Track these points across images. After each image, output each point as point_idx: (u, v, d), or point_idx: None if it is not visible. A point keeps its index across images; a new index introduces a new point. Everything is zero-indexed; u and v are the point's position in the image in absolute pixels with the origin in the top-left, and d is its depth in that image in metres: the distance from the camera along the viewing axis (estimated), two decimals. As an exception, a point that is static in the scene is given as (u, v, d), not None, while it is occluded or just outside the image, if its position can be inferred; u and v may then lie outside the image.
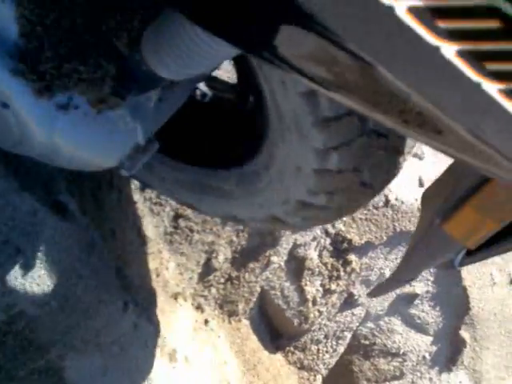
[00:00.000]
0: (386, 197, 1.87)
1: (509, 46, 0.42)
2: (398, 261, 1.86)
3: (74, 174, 1.26)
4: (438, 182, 0.93)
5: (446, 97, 0.46)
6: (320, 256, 1.82)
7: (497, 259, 2.26)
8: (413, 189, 1.86)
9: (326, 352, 1.93)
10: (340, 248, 1.84)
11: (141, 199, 1.56)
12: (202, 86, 1.18)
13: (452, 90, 0.45)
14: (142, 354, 1.30)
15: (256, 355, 1.77)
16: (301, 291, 1.81)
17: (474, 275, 2.19)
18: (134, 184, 1.54)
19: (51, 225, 1.14)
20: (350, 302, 1.92)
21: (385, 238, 1.90)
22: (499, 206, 0.79)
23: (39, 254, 1.11)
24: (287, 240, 1.75)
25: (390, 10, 0.40)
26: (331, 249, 1.83)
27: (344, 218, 1.82)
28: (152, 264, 1.52)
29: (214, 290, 1.70)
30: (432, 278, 2.06)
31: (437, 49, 0.42)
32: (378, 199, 1.86)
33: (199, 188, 1.23)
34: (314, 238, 1.80)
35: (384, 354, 2.02)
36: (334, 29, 0.44)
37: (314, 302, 1.83)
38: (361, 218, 1.85)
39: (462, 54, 0.42)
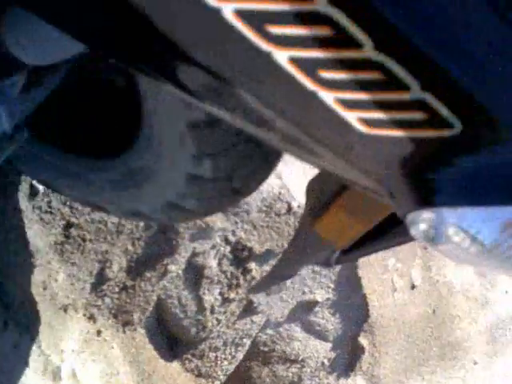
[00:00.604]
0: (289, 204, 1.87)
1: (340, 54, 0.41)
2: (298, 267, 1.88)
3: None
4: (320, 176, 0.93)
5: (285, 105, 0.46)
6: (219, 264, 1.81)
7: (398, 265, 2.32)
8: None
9: (225, 359, 1.91)
10: (240, 256, 1.83)
11: (29, 207, 1.48)
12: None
13: (289, 98, 0.45)
14: (23, 375, 1.24)
15: (151, 364, 1.73)
16: (199, 300, 1.78)
17: (374, 282, 2.23)
18: (23, 191, 1.46)
19: None
20: (249, 309, 1.91)
21: (286, 245, 1.91)
22: (365, 207, 0.79)
23: None
24: (186, 248, 1.72)
25: (216, 12, 0.39)
26: (231, 257, 1.82)
27: (245, 226, 1.81)
28: (39, 276, 1.45)
29: (107, 300, 1.65)
30: (333, 286, 2.09)
31: (268, 54, 0.41)
32: (281, 206, 1.86)
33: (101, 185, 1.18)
34: (214, 247, 1.78)
35: (283, 360, 2.03)
36: (167, 31, 0.42)
37: (212, 311, 1.81)
38: (262, 226, 1.85)
39: (295, 60, 0.42)
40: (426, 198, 0.50)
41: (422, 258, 2.38)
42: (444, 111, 0.44)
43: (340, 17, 0.39)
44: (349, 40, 0.40)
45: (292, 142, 0.51)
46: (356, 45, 0.41)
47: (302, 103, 0.45)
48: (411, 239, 0.79)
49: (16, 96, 0.90)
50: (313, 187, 0.87)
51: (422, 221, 0.51)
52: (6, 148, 0.93)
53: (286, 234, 1.88)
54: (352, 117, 0.45)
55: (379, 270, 2.23)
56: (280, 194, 1.82)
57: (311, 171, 1.88)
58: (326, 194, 0.80)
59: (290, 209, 1.87)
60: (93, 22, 0.45)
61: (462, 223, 0.50)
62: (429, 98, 0.43)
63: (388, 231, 0.81)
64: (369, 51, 0.41)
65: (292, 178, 1.84)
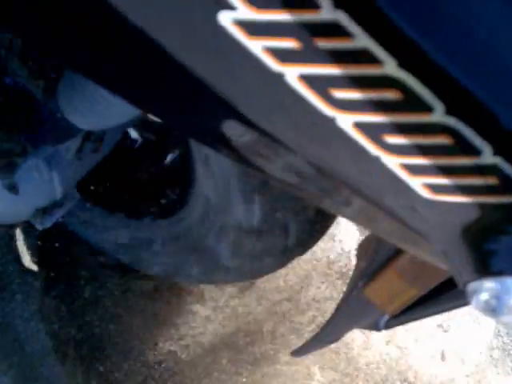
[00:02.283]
0: (405, 374, 1.73)
1: (407, 119, 0.39)
2: None
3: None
4: (372, 238, 0.90)
5: (346, 169, 0.43)
6: None
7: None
8: (434, 363, 1.74)
9: None
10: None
11: None
12: (132, 132, 1.15)
13: (351, 163, 0.42)
14: None
15: None
16: None
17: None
18: None
19: None
20: None
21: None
22: (421, 272, 0.76)
23: None
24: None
25: (279, 77, 0.37)
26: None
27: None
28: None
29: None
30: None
31: (332, 119, 0.39)
32: (397, 377, 1.71)
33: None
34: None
35: None
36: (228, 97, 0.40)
37: None
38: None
39: (359, 125, 0.40)
40: (489, 266, 0.47)
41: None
42: (517, 177, 0.41)
43: (411, 80, 0.37)
44: (418, 104, 0.38)
45: (350, 205, 0.48)
46: (426, 108, 0.38)
47: (365, 168, 0.42)
48: (465, 304, 0.76)
49: (69, 161, 0.91)
50: (365, 248, 0.84)
51: (483, 290, 0.48)
52: (55, 213, 0.94)
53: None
54: (417, 182, 0.43)
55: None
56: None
57: (429, 336, 1.70)
58: (378, 257, 0.77)
59: (404, 379, 1.73)
60: (150, 87, 0.44)
61: None
62: (501, 163, 0.41)
63: (441, 295, 0.78)
64: (440, 115, 0.39)
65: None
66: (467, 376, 1.73)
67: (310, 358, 1.62)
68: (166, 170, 1.18)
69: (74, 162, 0.92)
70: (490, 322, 1.74)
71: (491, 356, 1.77)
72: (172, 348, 1.51)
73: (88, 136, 0.91)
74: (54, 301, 1.41)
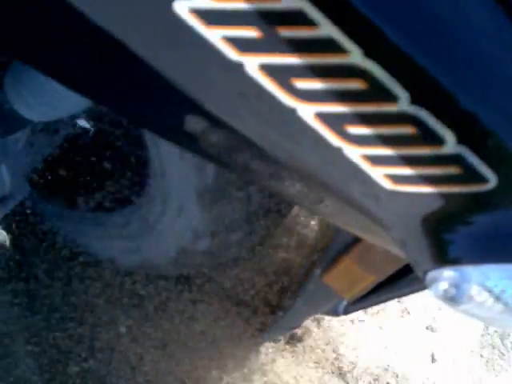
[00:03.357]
0: (395, 373, 1.68)
1: (371, 109, 0.38)
2: None
3: None
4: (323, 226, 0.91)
5: (309, 160, 0.42)
6: None
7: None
8: (424, 366, 1.70)
9: None
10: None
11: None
12: (83, 122, 1.11)
13: (314, 154, 0.41)
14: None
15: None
16: None
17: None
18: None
19: None
20: None
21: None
22: (378, 259, 0.77)
23: None
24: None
25: (239, 67, 0.36)
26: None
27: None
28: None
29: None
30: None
31: (293, 110, 0.38)
32: (386, 375, 1.66)
33: None
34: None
35: None
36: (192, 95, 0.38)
37: None
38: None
39: (321, 116, 0.38)
40: (447, 255, 0.47)
41: None
42: (480, 166, 0.41)
43: (376, 70, 0.36)
44: (383, 93, 0.37)
45: (308, 196, 0.48)
46: (391, 98, 0.37)
47: (327, 159, 0.41)
48: (423, 288, 0.77)
49: (18, 152, 0.88)
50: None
51: (443, 279, 0.48)
52: (6, 205, 0.91)
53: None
54: (378, 173, 0.42)
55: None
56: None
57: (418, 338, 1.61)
58: (335, 246, 0.78)
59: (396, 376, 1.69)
60: (107, 82, 0.41)
61: (486, 282, 0.47)
62: (465, 152, 0.40)
63: (398, 281, 0.78)
64: (404, 104, 0.38)
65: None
66: (459, 376, 1.73)
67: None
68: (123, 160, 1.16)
69: (24, 154, 0.89)
70: (477, 321, 1.73)
71: (481, 355, 1.78)
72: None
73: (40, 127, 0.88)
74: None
